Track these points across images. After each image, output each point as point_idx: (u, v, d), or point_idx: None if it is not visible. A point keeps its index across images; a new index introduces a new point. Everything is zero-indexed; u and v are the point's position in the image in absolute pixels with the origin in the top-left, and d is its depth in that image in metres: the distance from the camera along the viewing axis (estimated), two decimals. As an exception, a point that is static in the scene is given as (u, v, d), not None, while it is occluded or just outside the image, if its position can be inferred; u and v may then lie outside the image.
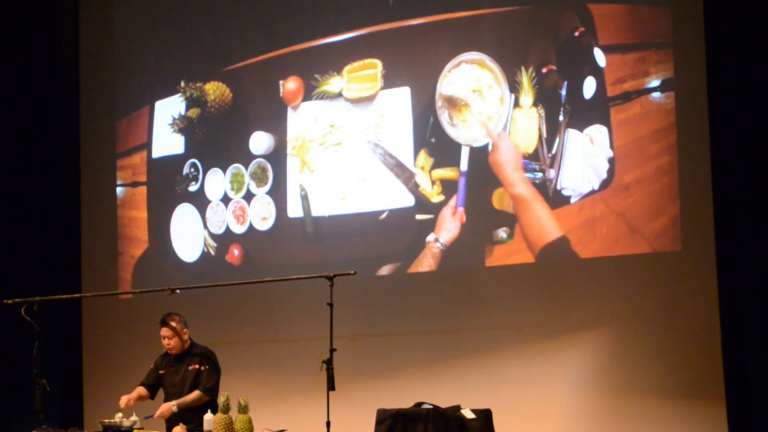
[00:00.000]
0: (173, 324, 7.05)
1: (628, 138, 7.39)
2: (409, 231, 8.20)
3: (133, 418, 6.87)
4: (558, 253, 7.58)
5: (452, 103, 8.00)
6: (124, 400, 6.91)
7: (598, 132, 7.50)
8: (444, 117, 8.06)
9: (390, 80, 8.34)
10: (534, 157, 7.73)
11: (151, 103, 9.54)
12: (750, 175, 6.97)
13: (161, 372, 7.15)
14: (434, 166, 8.12)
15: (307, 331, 8.35)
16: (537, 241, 7.69)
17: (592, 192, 7.52)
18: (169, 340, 7.04)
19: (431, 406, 6.19)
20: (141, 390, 7.12)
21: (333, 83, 8.59)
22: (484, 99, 7.94)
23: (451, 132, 8.04)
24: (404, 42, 8.30)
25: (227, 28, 9.18)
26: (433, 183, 8.11)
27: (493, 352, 7.82)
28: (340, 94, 8.56)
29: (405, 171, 8.23)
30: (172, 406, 6.83)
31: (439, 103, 8.08)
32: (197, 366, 6.99)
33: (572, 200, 7.59)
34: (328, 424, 6.21)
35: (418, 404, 6.31)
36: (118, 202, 9.68)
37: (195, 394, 6.90)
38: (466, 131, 7.99)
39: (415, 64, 8.23)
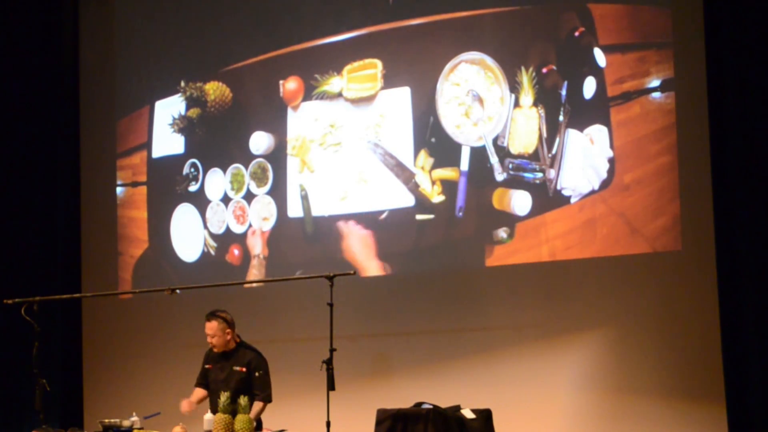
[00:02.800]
0: (214, 324, 7.01)
1: (628, 138, 7.39)
2: (409, 231, 8.20)
3: (133, 418, 6.87)
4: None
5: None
6: (185, 405, 6.90)
7: (598, 132, 7.50)
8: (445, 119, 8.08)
9: (390, 80, 8.34)
10: (534, 157, 7.73)
11: (151, 103, 9.54)
12: (750, 175, 6.97)
13: (207, 366, 7.12)
14: (434, 166, 8.12)
15: (307, 331, 8.35)
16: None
17: (592, 192, 7.52)
18: (210, 338, 7.02)
19: (431, 406, 6.19)
20: (199, 392, 7.11)
21: (333, 83, 8.59)
22: (484, 99, 7.94)
23: (451, 132, 8.05)
24: (404, 42, 8.30)
25: (227, 28, 9.18)
26: (433, 183, 8.11)
27: (493, 352, 7.82)
28: (340, 94, 8.56)
29: (405, 171, 8.23)
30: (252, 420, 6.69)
31: (439, 103, 8.10)
32: (245, 369, 6.92)
33: (572, 200, 7.59)
34: (328, 424, 6.21)
35: (418, 404, 6.32)
36: (118, 202, 9.68)
37: (258, 405, 6.80)
38: (466, 131, 7.99)
39: (415, 64, 8.23)
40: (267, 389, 6.90)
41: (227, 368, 7.00)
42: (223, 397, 6.44)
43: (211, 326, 7.01)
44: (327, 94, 8.62)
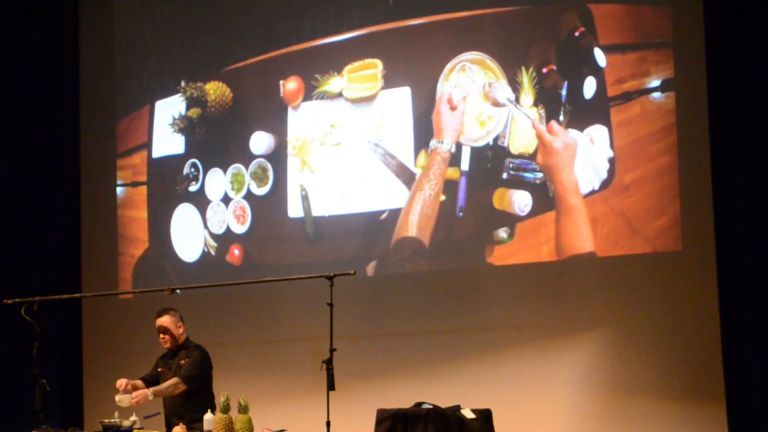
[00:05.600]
0: (166, 318, 7.11)
1: (628, 138, 7.39)
2: (409, 231, 8.21)
3: (133, 418, 6.88)
4: (583, 264, 7.54)
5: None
6: (122, 383, 6.93)
7: (598, 132, 7.50)
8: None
9: (390, 80, 8.34)
10: (534, 157, 7.73)
11: (151, 103, 9.54)
12: (750, 175, 6.98)
13: (160, 370, 7.20)
14: (434, 166, 8.12)
15: (307, 331, 8.35)
16: (566, 250, 7.62)
17: (593, 192, 7.52)
18: (163, 334, 7.11)
19: (431, 406, 6.19)
20: (139, 383, 7.14)
21: (333, 83, 8.59)
22: (485, 99, 7.94)
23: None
24: (404, 42, 8.30)
25: (227, 28, 9.18)
26: (434, 183, 8.11)
27: (493, 352, 7.82)
28: (340, 94, 8.56)
29: (405, 171, 8.23)
30: (148, 393, 6.84)
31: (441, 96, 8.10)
32: (184, 361, 7.02)
33: (572, 200, 7.59)
34: (328, 424, 6.21)
35: (418, 404, 6.31)
36: (118, 202, 9.68)
37: (172, 380, 6.92)
38: (467, 131, 7.99)
39: (415, 64, 8.23)
40: (188, 372, 6.95)
41: (174, 365, 7.09)
42: (223, 398, 6.44)
43: (164, 320, 7.10)
44: (327, 94, 8.62)
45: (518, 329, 7.75)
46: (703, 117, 7.14)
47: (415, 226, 8.14)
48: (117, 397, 6.80)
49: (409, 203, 8.15)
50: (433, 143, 8.07)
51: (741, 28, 7.05)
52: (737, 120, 7.02)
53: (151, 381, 7.16)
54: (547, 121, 7.69)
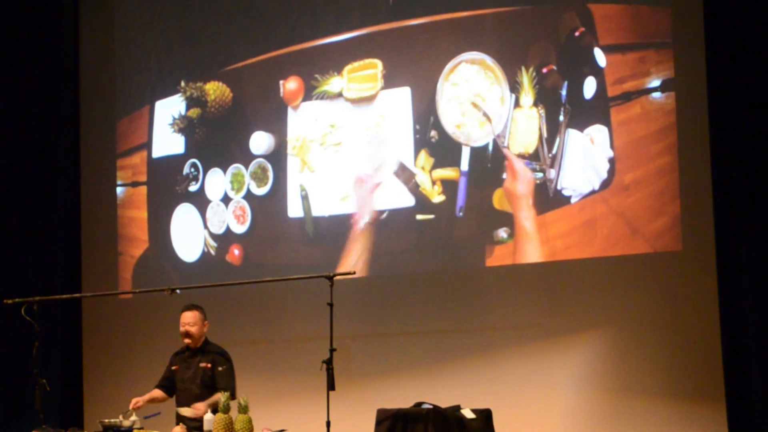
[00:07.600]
0: (194, 314, 7.09)
1: (628, 138, 7.39)
2: (409, 231, 8.20)
3: (133, 418, 6.87)
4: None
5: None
6: (133, 402, 6.90)
7: (598, 132, 7.50)
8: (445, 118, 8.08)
9: (390, 80, 8.34)
10: (534, 157, 7.73)
11: (151, 103, 9.54)
12: (750, 175, 6.98)
13: (173, 368, 7.16)
14: (435, 166, 8.12)
15: (307, 331, 8.34)
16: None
17: (593, 192, 7.52)
18: (189, 327, 7.05)
19: (431, 406, 6.19)
20: (156, 393, 7.11)
21: (333, 83, 8.59)
22: (485, 99, 7.94)
23: (452, 132, 8.05)
24: (404, 42, 8.30)
25: (227, 28, 9.18)
26: (434, 183, 8.11)
27: (493, 352, 7.82)
28: (340, 94, 8.57)
29: (405, 171, 8.23)
30: (204, 408, 6.74)
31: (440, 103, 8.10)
32: (209, 365, 6.98)
33: (572, 200, 7.59)
34: (328, 424, 6.21)
35: (418, 404, 6.31)
36: (118, 202, 9.68)
37: (223, 396, 6.84)
38: (466, 131, 7.99)
39: (415, 64, 8.24)
40: (230, 383, 6.92)
41: (194, 365, 7.05)
42: (224, 397, 6.44)
43: (192, 315, 7.08)
44: (327, 94, 8.62)
45: (518, 329, 7.76)
46: (703, 117, 7.15)
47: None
48: (141, 422, 6.77)
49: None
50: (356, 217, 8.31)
51: (741, 28, 7.05)
52: (737, 120, 7.03)
53: (166, 384, 7.13)
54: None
